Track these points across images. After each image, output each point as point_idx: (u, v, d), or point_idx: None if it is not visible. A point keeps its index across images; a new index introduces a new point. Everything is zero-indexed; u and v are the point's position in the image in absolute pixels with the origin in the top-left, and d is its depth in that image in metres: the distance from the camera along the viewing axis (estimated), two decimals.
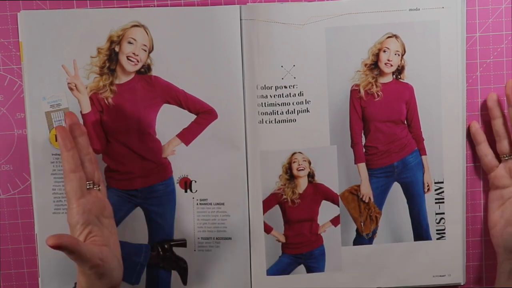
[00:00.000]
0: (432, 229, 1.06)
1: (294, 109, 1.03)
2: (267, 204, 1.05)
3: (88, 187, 0.96)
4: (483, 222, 1.07)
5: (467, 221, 1.07)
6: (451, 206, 1.05)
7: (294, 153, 1.04)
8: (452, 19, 1.01)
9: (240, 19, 1.01)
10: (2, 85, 1.04)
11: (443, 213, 1.05)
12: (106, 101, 1.03)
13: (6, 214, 1.06)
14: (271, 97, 1.02)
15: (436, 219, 1.06)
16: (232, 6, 1.01)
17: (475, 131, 1.03)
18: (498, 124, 1.02)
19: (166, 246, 1.06)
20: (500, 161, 1.03)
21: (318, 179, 1.05)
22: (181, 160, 1.04)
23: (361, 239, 1.06)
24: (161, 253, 1.06)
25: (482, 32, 1.04)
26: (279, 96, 1.02)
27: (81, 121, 1.03)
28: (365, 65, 1.02)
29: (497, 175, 1.02)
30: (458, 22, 1.01)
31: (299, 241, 1.06)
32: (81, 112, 1.03)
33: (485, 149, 1.03)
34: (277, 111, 1.03)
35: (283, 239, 1.06)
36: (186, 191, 1.05)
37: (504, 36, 1.04)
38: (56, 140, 1.01)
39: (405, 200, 1.06)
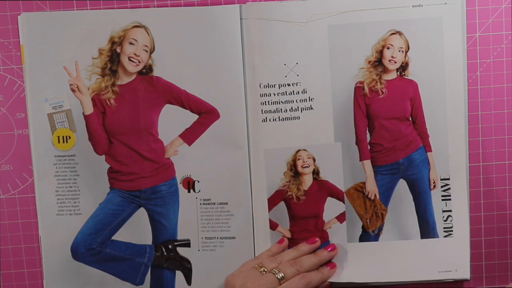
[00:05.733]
0: (439, 226, 1.09)
1: (298, 107, 1.08)
2: (272, 201, 1.10)
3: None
4: (483, 222, 1.11)
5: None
6: (458, 203, 1.09)
7: (299, 150, 1.09)
8: (455, 15, 1.05)
9: (240, 18, 1.06)
10: (2, 85, 1.09)
11: (450, 211, 1.09)
12: (108, 102, 1.08)
13: (6, 214, 1.12)
14: (274, 95, 1.08)
15: (443, 216, 1.09)
16: (232, 6, 1.06)
17: None
18: None
19: (170, 246, 1.11)
20: None
21: (323, 176, 1.10)
22: (184, 160, 1.09)
23: (367, 236, 1.11)
24: (165, 253, 1.11)
25: (482, 32, 1.07)
26: (282, 94, 1.08)
27: (83, 122, 1.08)
28: (369, 62, 1.07)
29: None
30: (461, 18, 1.05)
31: (305, 237, 1.11)
32: (83, 113, 1.08)
33: None
34: (281, 109, 1.08)
35: (288, 235, 1.11)
36: (189, 191, 1.10)
37: (504, 36, 1.07)
38: (58, 142, 1.09)
39: (411, 197, 1.10)
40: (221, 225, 1.11)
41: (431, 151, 1.10)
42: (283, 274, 1.03)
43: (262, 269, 1.05)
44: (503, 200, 1.11)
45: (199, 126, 1.09)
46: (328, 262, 1.10)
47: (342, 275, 1.11)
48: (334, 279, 1.11)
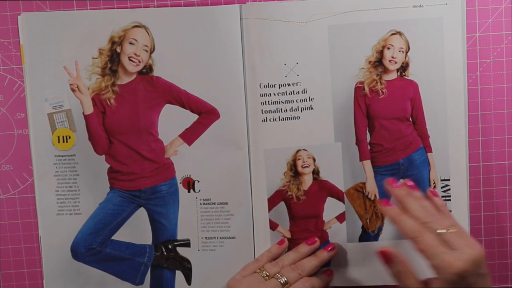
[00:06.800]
0: None
1: (298, 107, 1.09)
2: (272, 201, 1.11)
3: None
4: (483, 222, 1.11)
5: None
6: (458, 204, 1.09)
7: (299, 150, 1.10)
8: (455, 15, 1.06)
9: (240, 18, 1.07)
10: (2, 85, 1.10)
11: (450, 211, 1.08)
12: (108, 102, 1.08)
13: (6, 214, 1.12)
14: (274, 95, 1.08)
15: None
16: (232, 6, 1.07)
17: None
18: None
19: (170, 246, 1.12)
20: None
21: (323, 176, 1.10)
22: (184, 160, 1.10)
23: (367, 235, 1.11)
24: (165, 253, 1.11)
25: (482, 32, 1.08)
26: (282, 94, 1.08)
27: (84, 122, 1.09)
28: (369, 62, 1.08)
29: None
30: (461, 19, 1.06)
31: (305, 237, 1.11)
32: (83, 113, 1.08)
33: None
34: (281, 109, 1.09)
35: (288, 235, 1.11)
36: (189, 191, 1.11)
37: (504, 36, 1.08)
38: (58, 142, 1.10)
39: None
40: (221, 225, 1.12)
41: (431, 152, 1.10)
42: (286, 279, 1.04)
43: (264, 273, 1.05)
44: (503, 200, 1.12)
45: (199, 126, 1.10)
46: (326, 269, 1.11)
47: (342, 276, 1.12)
48: (335, 279, 1.11)
